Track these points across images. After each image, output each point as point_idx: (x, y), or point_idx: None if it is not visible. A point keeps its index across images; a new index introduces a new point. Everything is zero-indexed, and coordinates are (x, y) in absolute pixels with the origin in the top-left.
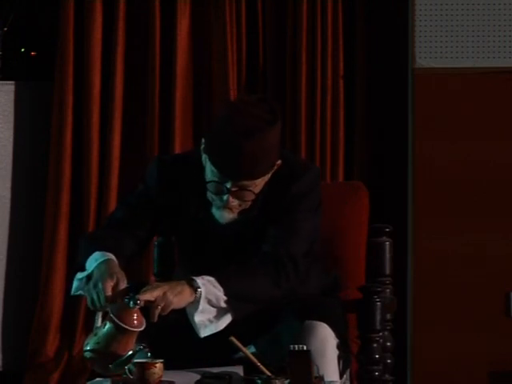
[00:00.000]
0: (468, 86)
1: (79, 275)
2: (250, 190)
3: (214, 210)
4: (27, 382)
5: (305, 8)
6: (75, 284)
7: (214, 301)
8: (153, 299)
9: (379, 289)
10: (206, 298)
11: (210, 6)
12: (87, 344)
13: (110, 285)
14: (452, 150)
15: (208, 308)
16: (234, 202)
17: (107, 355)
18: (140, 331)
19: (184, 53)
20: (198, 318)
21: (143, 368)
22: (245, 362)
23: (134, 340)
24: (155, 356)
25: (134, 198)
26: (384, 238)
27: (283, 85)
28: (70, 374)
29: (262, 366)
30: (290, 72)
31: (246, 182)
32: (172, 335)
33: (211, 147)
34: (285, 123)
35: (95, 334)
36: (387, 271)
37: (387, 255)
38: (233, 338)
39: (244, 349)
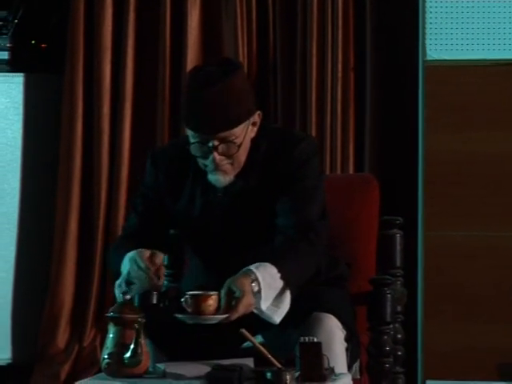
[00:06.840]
0: (479, 78)
1: (118, 282)
2: (233, 142)
3: (210, 177)
4: (37, 373)
5: (315, 0)
6: (117, 293)
7: (272, 283)
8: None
9: (390, 281)
10: (265, 283)
11: None
12: (102, 357)
13: (146, 254)
14: (463, 142)
15: (269, 294)
16: (223, 161)
17: (119, 352)
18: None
19: (194, 44)
20: (265, 306)
21: (199, 300)
22: (254, 353)
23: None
24: (164, 350)
25: (139, 201)
26: (395, 231)
27: (294, 77)
28: (80, 366)
29: (272, 358)
30: (300, 64)
31: (224, 134)
32: (181, 328)
33: (183, 110)
34: (295, 115)
35: (105, 345)
36: (398, 263)
37: (398, 247)
38: (243, 330)
39: (255, 341)
